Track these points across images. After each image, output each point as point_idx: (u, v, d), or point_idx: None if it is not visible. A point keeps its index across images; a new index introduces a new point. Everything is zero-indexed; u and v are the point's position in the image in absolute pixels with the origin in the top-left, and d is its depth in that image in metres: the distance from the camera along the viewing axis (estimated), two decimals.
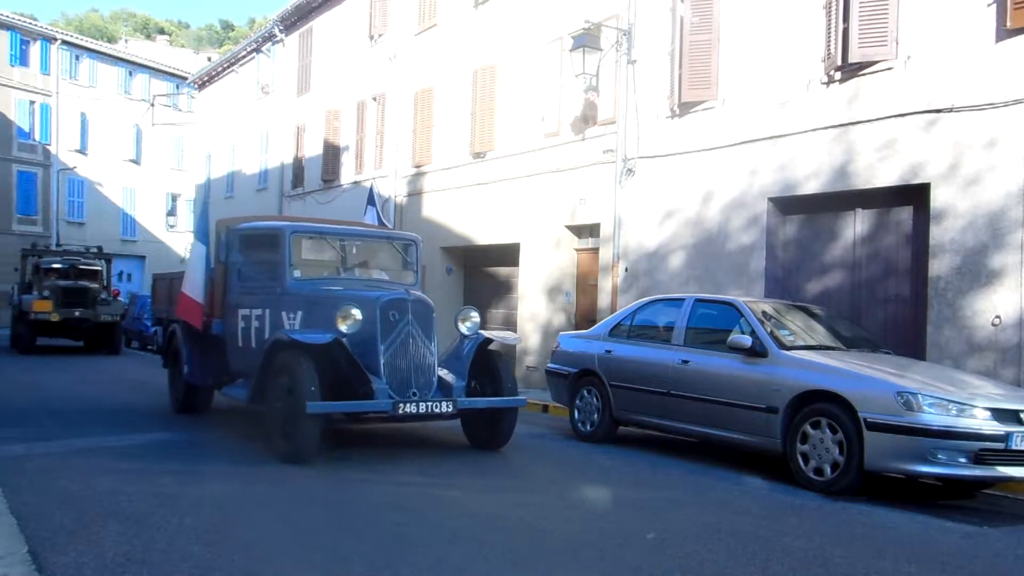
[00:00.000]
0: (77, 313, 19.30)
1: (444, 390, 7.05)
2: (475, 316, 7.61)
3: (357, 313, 6.66)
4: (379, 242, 8.69)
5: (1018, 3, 7.98)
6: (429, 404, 6.71)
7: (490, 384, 7.56)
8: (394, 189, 18.41)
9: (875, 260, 9.66)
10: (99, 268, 21.43)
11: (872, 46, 9.18)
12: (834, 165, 9.69)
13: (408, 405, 6.58)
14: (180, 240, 38.61)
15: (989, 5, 8.27)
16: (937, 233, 8.72)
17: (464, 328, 7.54)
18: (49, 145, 35.64)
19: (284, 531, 4.70)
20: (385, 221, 10.20)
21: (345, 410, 6.82)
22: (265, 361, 6.95)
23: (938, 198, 8.71)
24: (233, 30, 77.12)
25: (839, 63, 9.50)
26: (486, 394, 7.50)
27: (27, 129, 34.99)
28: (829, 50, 9.67)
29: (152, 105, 36.95)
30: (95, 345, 20.89)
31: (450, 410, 6.88)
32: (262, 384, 7.06)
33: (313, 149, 22.18)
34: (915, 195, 9.10)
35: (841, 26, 9.45)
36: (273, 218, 10.32)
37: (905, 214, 9.37)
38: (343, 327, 6.61)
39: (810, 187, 10.01)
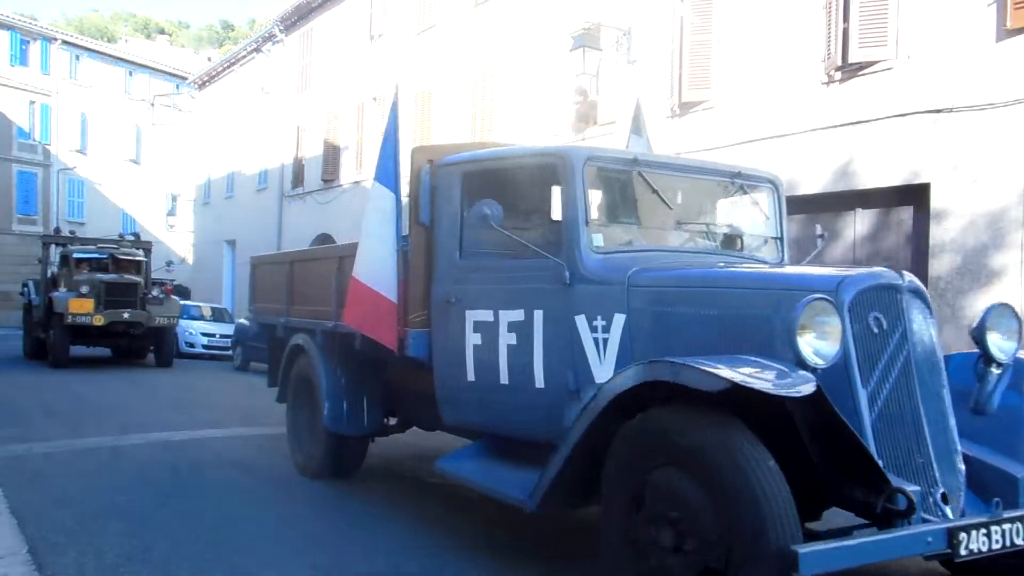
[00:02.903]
0: (126, 315, 15.31)
1: (984, 487, 3.35)
2: (1018, 323, 3.59)
3: (835, 324, 3.04)
4: (716, 185, 4.67)
5: (1018, 3, 7.98)
6: (1007, 530, 2.93)
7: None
8: None
9: (875, 260, 9.65)
10: (142, 259, 17.34)
11: (872, 46, 9.18)
12: (834, 165, 9.70)
13: (976, 536, 2.86)
14: (180, 240, 38.63)
15: (989, 5, 8.27)
16: (937, 233, 8.72)
17: (997, 347, 3.55)
18: (49, 145, 35.64)
19: (284, 531, 4.71)
20: None
21: (865, 562, 2.83)
22: (596, 429, 3.32)
23: (938, 198, 8.71)
24: (233, 30, 77.12)
25: (839, 63, 9.50)
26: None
27: (27, 129, 34.98)
28: (829, 50, 9.67)
29: (152, 105, 36.96)
30: (131, 353, 17.23)
31: None
32: (583, 477, 3.45)
33: (313, 149, 22.19)
34: (915, 195, 9.10)
35: (841, 26, 9.45)
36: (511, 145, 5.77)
37: (905, 214, 9.37)
38: (809, 354, 2.98)
39: (810, 187, 10.01)
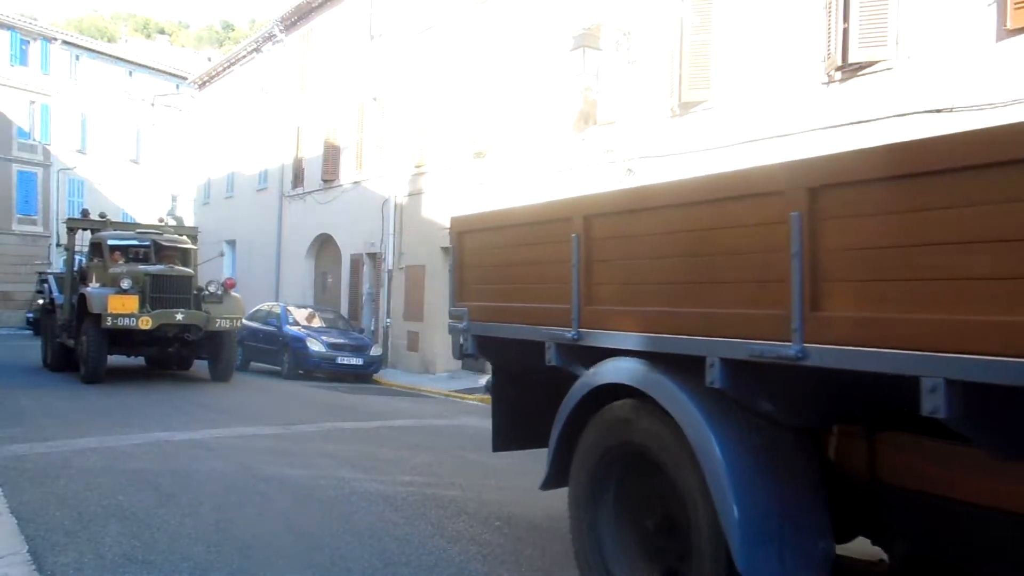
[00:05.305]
0: (180, 316, 12.17)
1: None
2: None
3: None
4: None
5: (1018, 3, 7.98)
6: None
7: None
8: (394, 189, 18.41)
9: None
10: (189, 247, 14.19)
11: (872, 46, 9.18)
12: None
13: None
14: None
15: (989, 5, 8.27)
16: None
17: None
18: (49, 145, 35.62)
19: (285, 531, 4.70)
20: None
21: None
22: None
23: None
24: (233, 30, 77.11)
25: (839, 63, 9.50)
26: None
27: (27, 129, 34.96)
28: (829, 50, 9.67)
29: (152, 105, 36.94)
30: (175, 363, 14.21)
31: None
32: None
33: (313, 149, 22.20)
34: None
35: (841, 26, 9.45)
36: None
37: None
38: None
39: None
